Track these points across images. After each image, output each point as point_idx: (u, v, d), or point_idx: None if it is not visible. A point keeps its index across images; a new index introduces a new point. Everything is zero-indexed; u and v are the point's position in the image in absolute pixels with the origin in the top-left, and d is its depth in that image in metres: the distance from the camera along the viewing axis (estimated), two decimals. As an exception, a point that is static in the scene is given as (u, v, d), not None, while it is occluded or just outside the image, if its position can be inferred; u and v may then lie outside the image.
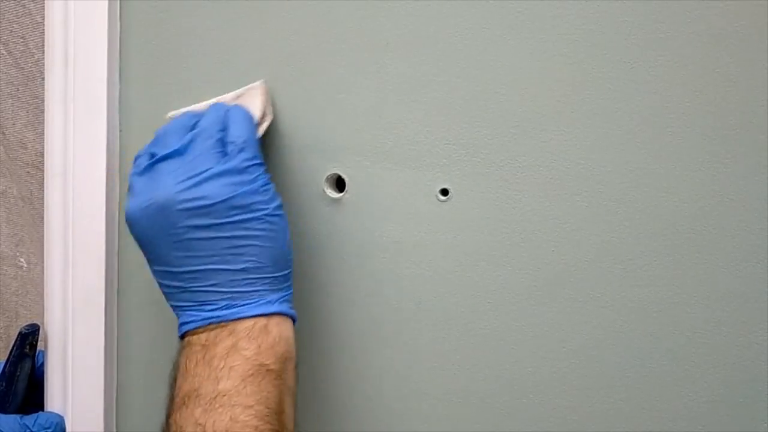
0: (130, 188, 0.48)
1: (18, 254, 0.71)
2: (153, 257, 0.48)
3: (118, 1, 0.57)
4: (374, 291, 0.52)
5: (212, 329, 0.46)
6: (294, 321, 0.48)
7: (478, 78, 0.49)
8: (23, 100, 0.68)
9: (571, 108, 0.47)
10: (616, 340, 0.48)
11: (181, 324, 0.47)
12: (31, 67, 0.67)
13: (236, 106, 0.52)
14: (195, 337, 0.46)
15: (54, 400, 0.59)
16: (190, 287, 0.46)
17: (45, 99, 0.59)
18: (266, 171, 0.49)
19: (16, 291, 0.71)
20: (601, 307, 0.48)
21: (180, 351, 0.47)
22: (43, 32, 0.60)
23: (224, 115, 0.50)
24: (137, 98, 0.57)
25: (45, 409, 0.60)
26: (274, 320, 0.47)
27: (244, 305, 0.46)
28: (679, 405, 0.47)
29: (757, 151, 0.44)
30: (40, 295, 0.62)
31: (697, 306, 0.46)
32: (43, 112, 0.60)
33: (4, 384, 0.58)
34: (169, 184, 0.46)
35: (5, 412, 0.58)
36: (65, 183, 0.58)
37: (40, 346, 0.60)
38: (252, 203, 0.46)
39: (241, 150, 0.47)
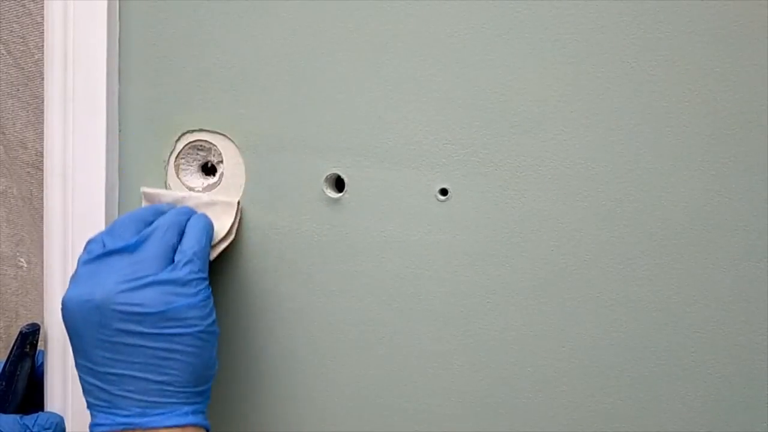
0: (75, 275, 0.49)
1: (18, 254, 0.71)
2: (79, 350, 0.48)
3: (118, 1, 0.57)
4: (373, 291, 0.52)
5: None
6: (207, 431, 0.49)
7: (477, 78, 0.49)
8: (23, 100, 0.68)
9: (570, 108, 0.47)
10: (616, 339, 0.48)
11: (95, 425, 0.47)
12: (31, 67, 0.67)
13: (200, 215, 0.52)
14: None
15: (54, 400, 0.59)
16: (109, 389, 0.47)
17: (45, 99, 0.59)
18: (208, 285, 0.49)
19: (16, 291, 0.71)
20: (600, 306, 0.48)
21: None
22: (43, 32, 0.60)
23: (184, 222, 0.50)
24: (137, 98, 0.57)
25: (45, 409, 0.60)
26: (188, 431, 0.47)
27: (157, 415, 0.46)
28: (679, 405, 0.47)
29: (757, 151, 0.44)
30: (40, 295, 0.62)
31: (697, 306, 0.46)
32: (43, 112, 0.60)
33: (3, 383, 0.58)
34: (110, 283, 0.46)
35: (5, 411, 0.58)
36: (65, 183, 0.58)
37: (40, 345, 0.60)
38: (187, 318, 0.47)
39: (189, 262, 0.48)
